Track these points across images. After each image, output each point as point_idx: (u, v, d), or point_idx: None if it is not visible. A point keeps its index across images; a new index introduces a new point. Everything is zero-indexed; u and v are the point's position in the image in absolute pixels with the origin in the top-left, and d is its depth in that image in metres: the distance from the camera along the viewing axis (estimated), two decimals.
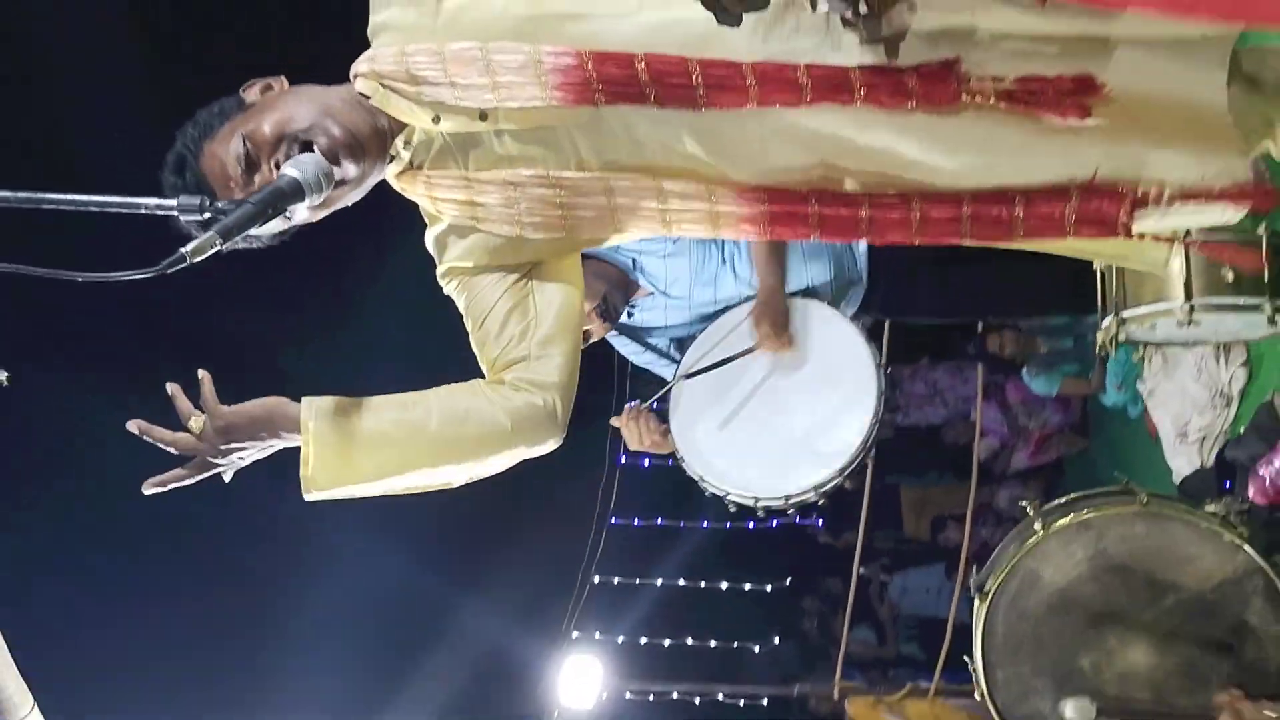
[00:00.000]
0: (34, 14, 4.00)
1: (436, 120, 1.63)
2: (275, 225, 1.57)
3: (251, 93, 1.68)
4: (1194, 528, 2.43)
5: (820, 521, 7.28)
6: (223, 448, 1.61)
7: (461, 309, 1.79)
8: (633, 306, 3.14)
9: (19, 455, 4.42)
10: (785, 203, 1.59)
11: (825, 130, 1.53)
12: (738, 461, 2.90)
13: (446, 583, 6.11)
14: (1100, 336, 2.98)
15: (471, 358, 1.82)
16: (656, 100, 1.53)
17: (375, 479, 1.68)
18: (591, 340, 3.03)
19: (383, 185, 1.75)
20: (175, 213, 1.54)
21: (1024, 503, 2.70)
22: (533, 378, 1.73)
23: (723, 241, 3.00)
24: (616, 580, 6.52)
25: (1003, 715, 2.57)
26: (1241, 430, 3.38)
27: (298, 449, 1.65)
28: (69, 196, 1.50)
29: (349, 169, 1.62)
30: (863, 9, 1.34)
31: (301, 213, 1.60)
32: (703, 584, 6.98)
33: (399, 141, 1.68)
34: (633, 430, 3.00)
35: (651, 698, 6.04)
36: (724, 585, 7.09)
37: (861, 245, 3.08)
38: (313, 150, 1.59)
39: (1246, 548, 2.38)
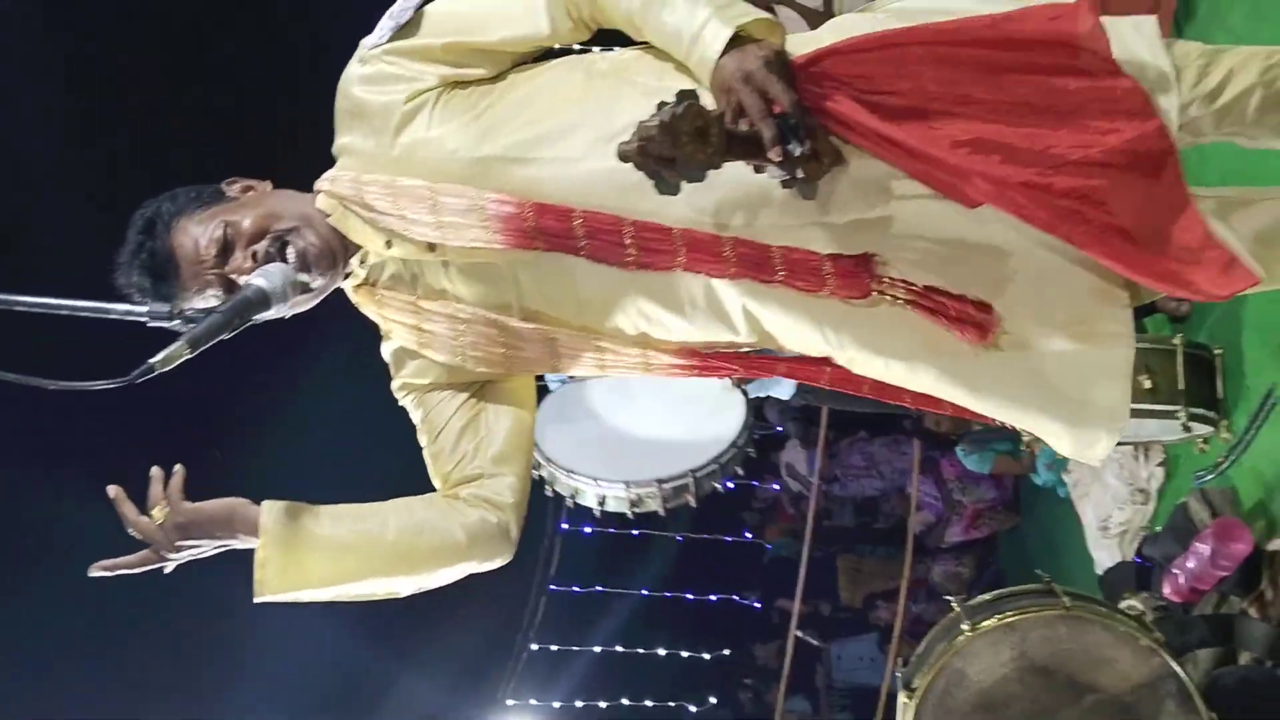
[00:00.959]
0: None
1: (389, 245, 1.66)
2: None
3: (234, 189, 1.72)
4: (1113, 630, 2.51)
5: (758, 603, 7.34)
6: (178, 543, 1.62)
7: (416, 423, 1.82)
8: None
9: None
10: (715, 358, 1.69)
11: (750, 304, 1.58)
12: (586, 454, 3.09)
13: (384, 650, 6.05)
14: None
15: (423, 466, 1.84)
16: (589, 255, 1.57)
17: (328, 585, 1.69)
18: None
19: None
20: (145, 319, 1.57)
21: (951, 598, 2.78)
22: (487, 495, 1.75)
23: None
24: (555, 647, 6.51)
25: None
26: (1159, 529, 3.48)
27: (250, 550, 1.66)
28: (40, 300, 1.54)
29: (317, 279, 1.66)
30: (799, 173, 1.42)
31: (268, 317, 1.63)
32: (640, 650, 6.98)
33: (355, 260, 1.72)
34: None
35: None
36: (662, 652, 7.11)
37: None
38: (287, 251, 1.63)
39: (1162, 652, 2.48)
